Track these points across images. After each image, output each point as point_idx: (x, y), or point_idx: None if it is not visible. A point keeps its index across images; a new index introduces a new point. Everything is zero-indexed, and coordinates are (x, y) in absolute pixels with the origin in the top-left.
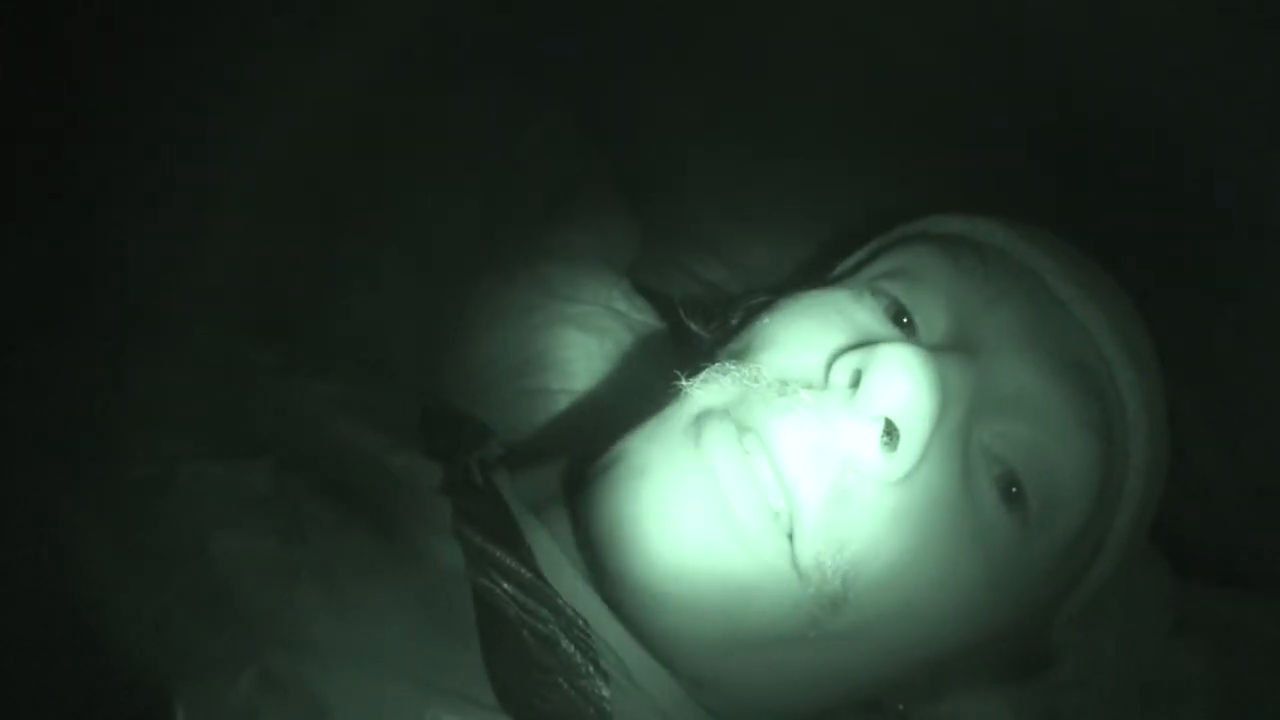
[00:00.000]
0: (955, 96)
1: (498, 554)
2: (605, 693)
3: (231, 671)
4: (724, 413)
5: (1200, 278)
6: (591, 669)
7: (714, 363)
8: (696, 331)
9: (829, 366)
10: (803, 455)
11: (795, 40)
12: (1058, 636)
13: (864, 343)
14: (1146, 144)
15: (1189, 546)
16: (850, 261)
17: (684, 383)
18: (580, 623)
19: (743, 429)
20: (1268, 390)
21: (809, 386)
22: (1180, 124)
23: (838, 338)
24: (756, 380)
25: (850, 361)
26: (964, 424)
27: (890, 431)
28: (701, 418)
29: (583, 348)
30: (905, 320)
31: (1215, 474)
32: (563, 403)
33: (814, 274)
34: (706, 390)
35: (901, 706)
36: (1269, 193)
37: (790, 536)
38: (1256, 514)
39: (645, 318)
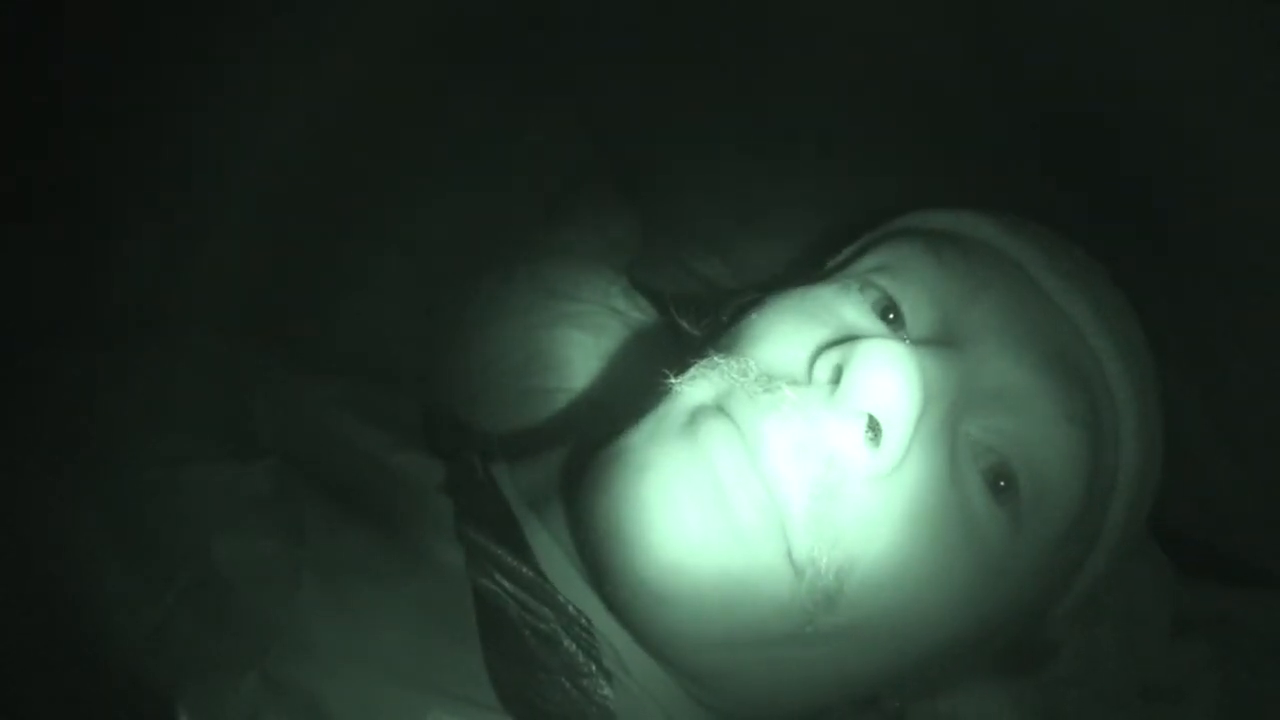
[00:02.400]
0: (954, 94)
1: (499, 553)
2: (607, 691)
3: (233, 674)
4: (718, 408)
5: (1199, 273)
6: (594, 668)
7: (704, 356)
8: (688, 329)
9: (812, 362)
10: (786, 452)
11: (795, 39)
12: (1056, 633)
13: (847, 338)
14: (1145, 140)
15: (1189, 544)
16: (839, 258)
17: (672, 380)
18: (583, 621)
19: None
20: (1268, 386)
21: (793, 382)
22: (1178, 119)
23: (821, 333)
24: (743, 376)
25: (832, 357)
26: (949, 418)
27: (874, 427)
28: (697, 413)
29: (581, 346)
30: (892, 315)
31: (1216, 471)
32: (562, 401)
33: (804, 271)
34: (695, 386)
35: (898, 703)
36: (1268, 188)
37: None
38: (1258, 511)
39: (644, 315)
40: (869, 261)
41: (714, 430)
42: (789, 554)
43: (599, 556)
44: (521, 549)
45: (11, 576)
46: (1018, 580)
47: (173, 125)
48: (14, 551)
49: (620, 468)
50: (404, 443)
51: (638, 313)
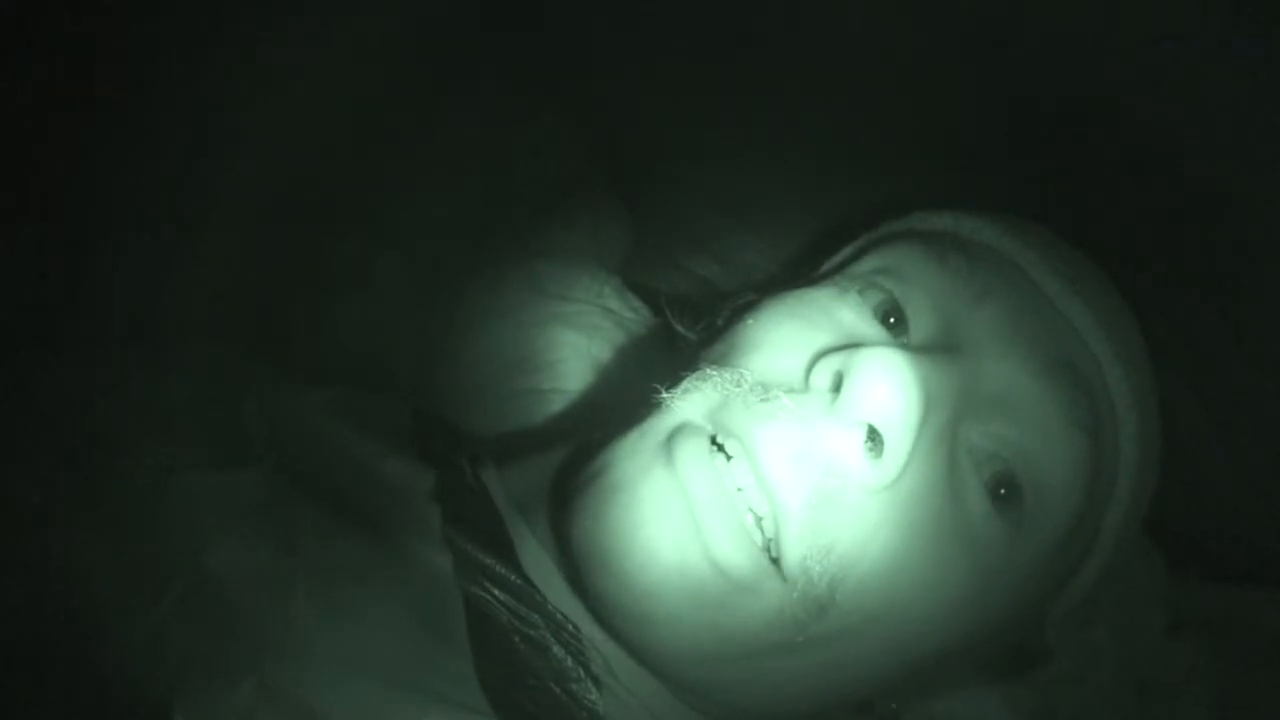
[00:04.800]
0: (953, 96)
1: (488, 561)
2: (595, 697)
3: (229, 683)
4: (699, 427)
5: (1196, 273)
6: (582, 673)
7: (697, 368)
8: (683, 331)
9: (809, 369)
10: (784, 460)
11: (792, 39)
12: (1053, 633)
13: (846, 344)
14: (1142, 140)
15: (1185, 542)
16: (836, 259)
17: (664, 394)
18: (570, 627)
19: (725, 434)
20: (1264, 386)
21: (790, 390)
22: (1176, 120)
23: (820, 338)
24: (739, 385)
25: (831, 364)
26: (950, 425)
27: (873, 436)
28: (676, 434)
29: (574, 347)
30: (893, 319)
31: (1211, 469)
32: (554, 402)
33: (801, 272)
34: (687, 400)
35: (894, 706)
36: (1265, 188)
37: (773, 546)
38: (1252, 509)
39: (637, 315)
40: (869, 263)
41: (689, 451)
42: (776, 568)
43: (580, 576)
44: (510, 556)
45: (6, 584)
46: (1015, 585)
47: (167, 130)
48: (8, 559)
49: (596, 490)
50: (394, 450)
51: (631, 312)
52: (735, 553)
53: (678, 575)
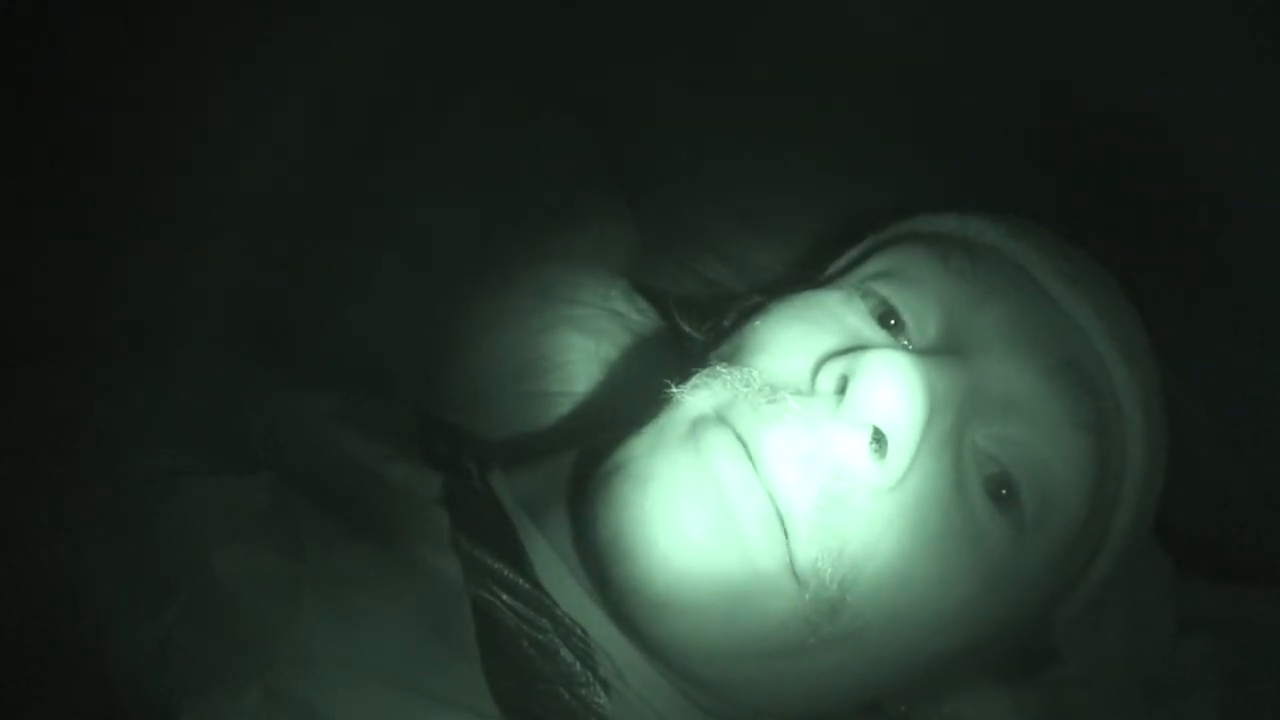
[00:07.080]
0: (954, 95)
1: (495, 565)
2: (604, 700)
3: (236, 690)
4: (719, 418)
5: (1200, 271)
6: (590, 677)
7: (706, 367)
8: (690, 334)
9: (815, 372)
10: (790, 463)
11: (797, 40)
12: (1061, 634)
13: (852, 347)
14: (1143, 138)
15: (1191, 541)
16: (842, 262)
17: (675, 390)
18: (579, 631)
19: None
20: (1269, 384)
21: (797, 393)
22: (1177, 116)
23: (826, 341)
24: (746, 385)
25: (836, 367)
26: (955, 427)
27: (879, 438)
28: (698, 423)
29: (582, 350)
30: (893, 322)
31: (1218, 469)
32: (563, 406)
33: (807, 274)
34: (698, 396)
35: (903, 708)
36: (1267, 185)
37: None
38: (1260, 509)
39: (645, 318)
40: (872, 266)
41: (716, 440)
42: (792, 566)
43: (603, 569)
44: (518, 559)
45: (11, 593)
46: (1022, 586)
47: (171, 133)
48: (13, 568)
49: (622, 480)
50: (399, 455)
51: (639, 315)
52: (764, 541)
53: (704, 564)
